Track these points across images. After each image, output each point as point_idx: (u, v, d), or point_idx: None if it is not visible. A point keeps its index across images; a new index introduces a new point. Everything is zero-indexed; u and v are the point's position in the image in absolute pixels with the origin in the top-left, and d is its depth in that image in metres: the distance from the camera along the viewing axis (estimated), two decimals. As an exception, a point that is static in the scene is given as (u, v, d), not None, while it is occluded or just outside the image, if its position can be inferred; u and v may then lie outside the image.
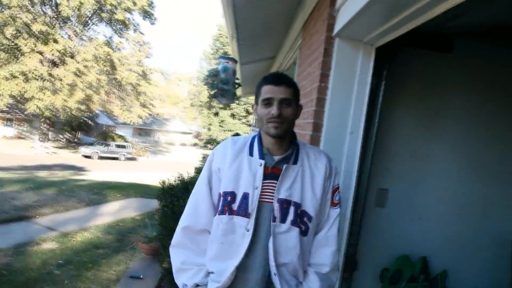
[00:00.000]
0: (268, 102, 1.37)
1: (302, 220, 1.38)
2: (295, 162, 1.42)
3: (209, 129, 33.86)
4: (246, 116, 33.38)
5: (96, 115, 36.96)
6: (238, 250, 1.34)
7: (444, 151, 2.83)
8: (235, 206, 1.36)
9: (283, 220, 1.35)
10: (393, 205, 2.83)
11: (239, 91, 6.72)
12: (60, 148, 31.38)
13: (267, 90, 1.37)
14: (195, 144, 49.89)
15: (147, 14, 30.06)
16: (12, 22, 23.89)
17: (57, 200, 7.32)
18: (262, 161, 1.39)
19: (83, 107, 26.93)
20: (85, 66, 25.87)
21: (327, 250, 1.46)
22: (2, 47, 24.85)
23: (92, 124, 37.21)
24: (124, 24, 29.71)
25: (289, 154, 1.42)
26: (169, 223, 3.32)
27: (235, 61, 4.81)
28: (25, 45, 24.37)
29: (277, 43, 5.12)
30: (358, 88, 2.27)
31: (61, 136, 35.75)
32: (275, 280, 1.33)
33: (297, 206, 1.37)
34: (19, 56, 25.30)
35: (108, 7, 27.39)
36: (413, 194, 2.84)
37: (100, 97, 27.72)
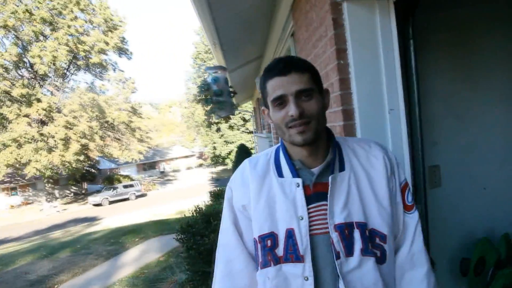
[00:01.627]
0: (281, 102, 1.00)
1: (374, 244, 1.02)
2: (342, 168, 1.06)
3: (214, 148, 33.26)
4: (244, 124, 32.90)
5: (97, 162, 36.61)
6: None
7: (493, 109, 2.38)
8: (280, 251, 1.02)
9: (349, 252, 0.99)
10: (450, 183, 2.38)
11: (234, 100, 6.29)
12: (70, 203, 31.02)
13: (275, 85, 1.00)
14: (200, 165, 49.49)
15: (122, 51, 29.88)
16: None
17: (73, 262, 6.89)
18: (299, 180, 1.03)
19: (81, 158, 26.59)
20: (74, 117, 25.63)
21: (417, 273, 1.10)
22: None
23: (95, 172, 36.84)
24: (102, 66, 29.55)
25: (331, 160, 1.06)
26: (198, 266, 2.87)
27: (224, 69, 4.40)
28: (10, 112, 24.17)
29: (263, 38, 4.70)
30: (385, 55, 1.83)
31: (67, 191, 35.38)
32: None
33: (363, 227, 1.01)
34: (6, 124, 25.06)
35: (82, 53, 27.23)
36: (469, 165, 2.39)
37: (96, 144, 27.41)
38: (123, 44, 29.58)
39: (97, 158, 34.70)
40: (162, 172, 47.30)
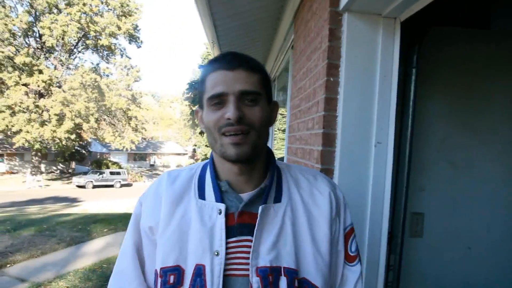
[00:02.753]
0: (219, 101, 0.81)
1: None
2: (278, 199, 0.87)
3: (194, 150, 32.76)
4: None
5: (88, 144, 36.24)
6: None
7: (494, 162, 2.15)
8: None
9: None
10: (432, 234, 2.14)
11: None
12: (54, 180, 30.55)
13: (216, 80, 0.81)
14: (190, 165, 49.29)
15: (132, 38, 29.68)
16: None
17: (34, 242, 6.55)
18: (222, 206, 0.84)
19: (73, 137, 26.21)
20: (73, 95, 25.33)
21: None
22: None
23: (85, 153, 36.39)
24: (110, 50, 29.34)
25: (266, 186, 0.86)
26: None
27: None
28: (10, 79, 23.86)
29: (265, 46, 4.48)
30: (381, 79, 1.61)
31: (54, 167, 34.94)
32: None
33: (292, 274, 0.81)
34: (4, 90, 24.74)
35: (92, 33, 27.06)
36: (456, 218, 2.15)
37: (90, 125, 27.03)
38: (135, 32, 29.38)
39: (89, 140, 34.33)
40: (152, 165, 46.91)
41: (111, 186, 28.10)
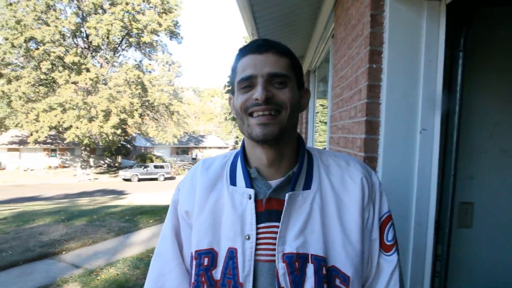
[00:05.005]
0: (248, 84, 0.82)
1: (332, 286, 0.82)
2: (307, 186, 0.86)
3: (236, 143, 33.13)
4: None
5: (133, 138, 37.62)
6: None
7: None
8: (217, 274, 0.83)
9: None
10: (483, 224, 2.05)
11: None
12: (102, 173, 32.07)
13: (246, 64, 0.83)
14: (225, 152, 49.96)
15: (173, 34, 30.37)
16: (47, 56, 24.91)
17: (86, 231, 6.93)
18: (251, 191, 0.85)
19: (119, 132, 27.33)
20: (118, 91, 26.35)
21: None
22: (41, 82, 25.96)
23: (130, 148, 37.85)
24: (152, 46, 30.21)
25: (294, 173, 0.86)
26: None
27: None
28: (60, 77, 25.22)
29: (305, 37, 4.44)
30: (426, 64, 1.56)
31: (102, 161, 36.65)
32: None
33: (320, 262, 0.81)
34: (56, 88, 26.24)
35: (135, 31, 27.94)
36: (510, 209, 2.05)
37: (134, 120, 28.04)
38: (175, 28, 30.04)
39: (134, 135, 35.61)
40: (194, 159, 47.92)
41: (155, 179, 29.05)
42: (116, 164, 37.35)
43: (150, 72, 31.20)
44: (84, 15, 27.17)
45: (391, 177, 1.60)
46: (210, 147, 50.97)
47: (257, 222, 0.83)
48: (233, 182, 0.89)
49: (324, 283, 0.80)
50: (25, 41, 24.51)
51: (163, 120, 31.56)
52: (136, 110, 27.78)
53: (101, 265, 5.20)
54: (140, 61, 31.72)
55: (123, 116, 26.63)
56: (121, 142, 32.98)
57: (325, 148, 3.65)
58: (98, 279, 4.62)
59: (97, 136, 26.41)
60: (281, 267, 0.80)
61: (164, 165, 30.96)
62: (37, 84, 26.68)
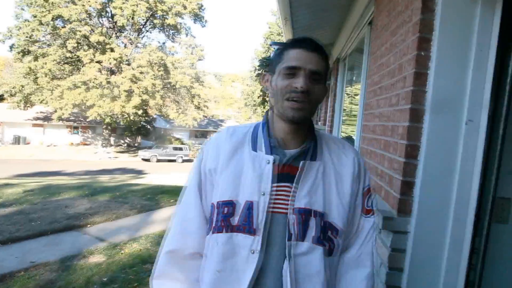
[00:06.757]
0: (292, 72, 1.02)
1: (326, 236, 1.06)
2: (314, 158, 1.09)
3: None
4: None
5: (153, 119, 38.08)
6: (241, 280, 1.02)
7: None
8: (235, 220, 1.05)
9: (302, 237, 1.03)
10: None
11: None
12: (121, 152, 32.65)
13: (294, 56, 1.03)
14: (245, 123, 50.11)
15: (197, 17, 30.36)
16: (73, 35, 25.28)
17: (109, 207, 7.12)
18: (271, 157, 1.06)
19: (140, 112, 27.70)
20: (141, 72, 26.63)
21: (360, 273, 1.15)
22: (66, 60, 26.41)
23: (150, 128, 38.34)
24: (176, 29, 30.26)
25: (307, 147, 1.09)
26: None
27: (290, 46, 4.15)
28: (85, 56, 25.60)
29: (338, 24, 4.38)
30: (477, 53, 1.53)
31: (122, 141, 37.27)
32: None
33: (321, 216, 1.06)
34: (80, 67, 26.66)
35: (160, 13, 28.04)
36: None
37: (156, 102, 28.36)
38: (200, 11, 30.00)
39: (154, 116, 36.04)
40: (212, 142, 48.16)
41: (174, 160, 29.43)
42: (136, 144, 37.93)
43: (173, 54, 31.41)
44: (111, -6, 27.39)
45: (433, 166, 1.59)
46: (228, 132, 51.14)
47: (272, 182, 1.03)
48: (254, 148, 1.09)
49: (321, 233, 1.04)
50: (52, 19, 24.96)
51: (183, 103, 31.78)
52: (158, 91, 28.07)
53: (124, 240, 5.35)
54: (164, 43, 32.01)
55: (144, 97, 26.95)
56: (142, 122, 33.44)
57: (350, 137, 3.63)
58: (122, 253, 4.76)
59: (119, 115, 26.86)
60: (292, 218, 1.02)
61: (183, 147, 31.29)
62: (62, 62, 27.21)
